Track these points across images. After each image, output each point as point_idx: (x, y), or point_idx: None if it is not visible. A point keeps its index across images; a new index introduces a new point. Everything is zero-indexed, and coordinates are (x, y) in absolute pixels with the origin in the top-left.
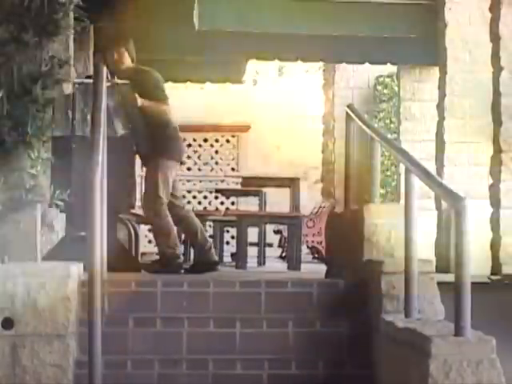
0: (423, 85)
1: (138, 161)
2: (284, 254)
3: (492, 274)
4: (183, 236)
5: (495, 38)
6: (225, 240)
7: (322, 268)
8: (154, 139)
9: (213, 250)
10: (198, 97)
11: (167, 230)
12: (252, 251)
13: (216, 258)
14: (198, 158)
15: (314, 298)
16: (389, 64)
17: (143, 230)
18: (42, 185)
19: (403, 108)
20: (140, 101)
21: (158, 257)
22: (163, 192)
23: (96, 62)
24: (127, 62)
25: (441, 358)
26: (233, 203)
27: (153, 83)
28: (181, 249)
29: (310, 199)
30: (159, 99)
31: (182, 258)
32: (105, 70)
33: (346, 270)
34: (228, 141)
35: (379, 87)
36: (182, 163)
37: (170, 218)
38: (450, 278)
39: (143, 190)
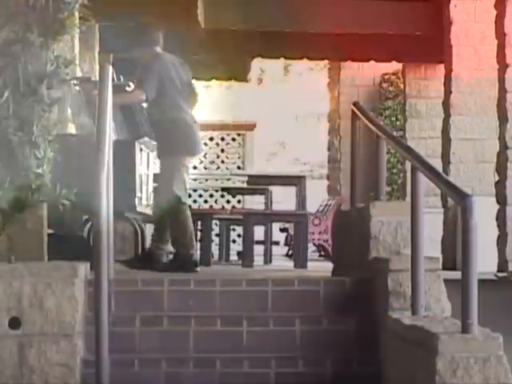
0: (429, 82)
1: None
2: (290, 252)
3: (498, 271)
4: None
5: (500, 34)
6: (231, 238)
7: (329, 266)
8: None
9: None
10: (204, 95)
11: (183, 229)
12: (258, 249)
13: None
14: (204, 156)
15: (321, 296)
16: (394, 62)
17: (149, 228)
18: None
19: (409, 105)
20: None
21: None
22: (179, 188)
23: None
24: None
25: (448, 356)
26: (239, 201)
27: None
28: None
29: (316, 197)
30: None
31: (197, 257)
32: (110, 69)
33: (353, 267)
34: (234, 139)
35: (385, 85)
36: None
37: (189, 216)
38: (456, 275)
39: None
